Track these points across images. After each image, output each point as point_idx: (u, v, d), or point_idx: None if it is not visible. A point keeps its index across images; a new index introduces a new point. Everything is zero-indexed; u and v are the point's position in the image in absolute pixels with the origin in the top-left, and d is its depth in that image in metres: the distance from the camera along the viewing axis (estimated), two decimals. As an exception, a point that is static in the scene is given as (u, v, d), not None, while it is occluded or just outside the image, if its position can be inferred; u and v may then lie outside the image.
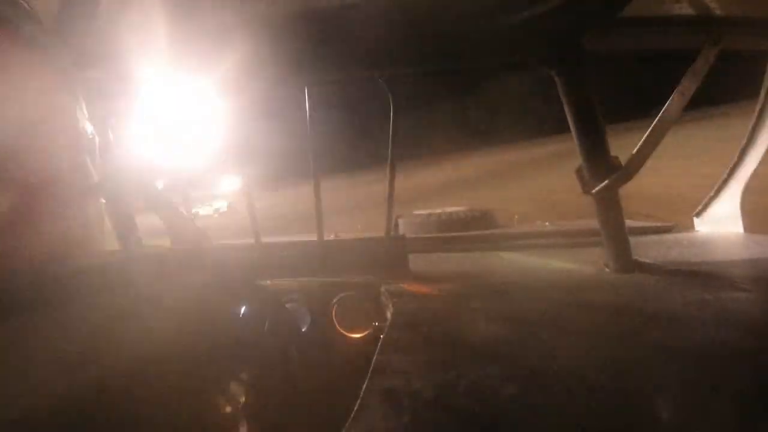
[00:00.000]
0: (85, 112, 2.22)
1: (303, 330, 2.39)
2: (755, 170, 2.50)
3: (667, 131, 2.12)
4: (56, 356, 1.49)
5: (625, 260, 2.08)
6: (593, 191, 2.08)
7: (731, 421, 0.94)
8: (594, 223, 2.21)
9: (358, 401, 1.09)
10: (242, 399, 1.96)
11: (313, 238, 2.62)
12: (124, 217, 2.54)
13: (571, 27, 2.00)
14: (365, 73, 2.34)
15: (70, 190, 2.11)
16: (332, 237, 2.77)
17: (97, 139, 2.22)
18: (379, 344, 1.45)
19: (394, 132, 2.38)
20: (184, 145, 2.65)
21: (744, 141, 2.49)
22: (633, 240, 2.14)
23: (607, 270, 2.11)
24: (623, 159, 2.08)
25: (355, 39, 2.11)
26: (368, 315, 2.28)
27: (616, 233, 2.10)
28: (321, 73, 2.29)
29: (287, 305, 2.36)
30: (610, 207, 2.09)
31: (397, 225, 3.40)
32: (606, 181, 2.03)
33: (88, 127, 2.19)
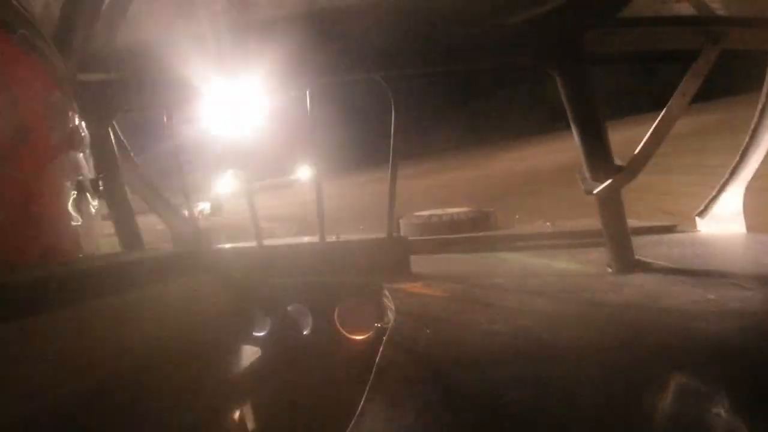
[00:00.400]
0: (78, 112, 2.21)
1: (305, 332, 2.38)
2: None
3: (670, 130, 2.11)
4: (58, 356, 1.49)
5: (627, 260, 2.07)
6: (595, 191, 2.08)
7: (735, 419, 0.93)
8: (596, 223, 2.20)
9: (362, 402, 1.09)
10: (245, 398, 1.96)
11: (316, 239, 2.62)
12: (126, 218, 2.54)
13: (571, 27, 2.01)
14: (367, 73, 2.34)
15: (62, 188, 2.10)
16: (334, 238, 2.77)
17: (88, 138, 2.22)
18: (382, 346, 1.45)
19: (396, 132, 2.38)
20: (189, 146, 2.66)
21: (746, 141, 2.49)
22: (635, 240, 2.13)
23: (609, 270, 2.10)
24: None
25: (357, 40, 2.11)
26: (371, 316, 2.28)
27: (618, 233, 2.10)
28: (322, 74, 2.29)
29: (290, 307, 2.35)
30: (612, 207, 2.09)
31: (398, 226, 3.40)
32: (608, 182, 2.03)
33: (82, 127, 2.18)
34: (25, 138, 1.80)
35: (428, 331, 1.54)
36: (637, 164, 2.07)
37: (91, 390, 1.47)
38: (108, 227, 2.55)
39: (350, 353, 2.25)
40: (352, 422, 1.01)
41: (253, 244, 2.70)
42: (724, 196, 2.65)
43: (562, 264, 2.40)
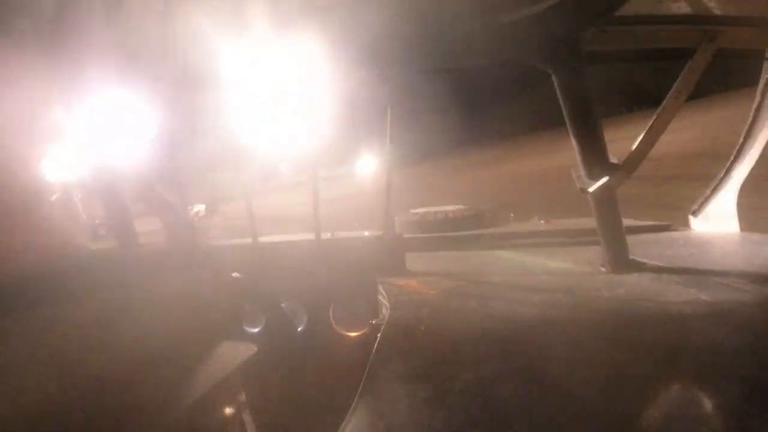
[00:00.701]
0: (74, 109, 2.19)
1: (300, 329, 2.38)
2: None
3: (665, 128, 2.12)
4: (52, 353, 1.48)
5: (621, 259, 2.08)
6: (590, 190, 2.08)
7: (727, 418, 0.94)
8: (591, 222, 2.21)
9: (356, 399, 1.09)
10: (240, 396, 1.96)
11: (311, 237, 2.62)
12: (122, 216, 2.52)
13: (568, 26, 2.01)
14: (365, 71, 2.33)
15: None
16: (329, 236, 2.76)
17: (77, 136, 2.19)
18: (376, 343, 1.45)
19: (391, 130, 2.38)
20: (182, 144, 2.64)
21: (740, 140, 2.50)
22: (629, 239, 2.14)
23: (603, 269, 2.11)
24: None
25: (355, 38, 2.10)
26: (365, 314, 2.28)
27: (613, 232, 2.10)
28: (318, 72, 2.28)
29: (283, 304, 2.35)
30: (607, 206, 2.09)
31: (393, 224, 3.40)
32: (603, 180, 2.04)
33: (70, 125, 2.15)
34: (16, 135, 1.80)
35: (422, 328, 1.54)
36: (632, 163, 2.07)
37: (88, 383, 1.47)
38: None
39: (345, 349, 2.25)
40: (347, 417, 1.01)
41: (249, 241, 2.69)
42: (719, 196, 2.67)
43: (556, 262, 2.40)
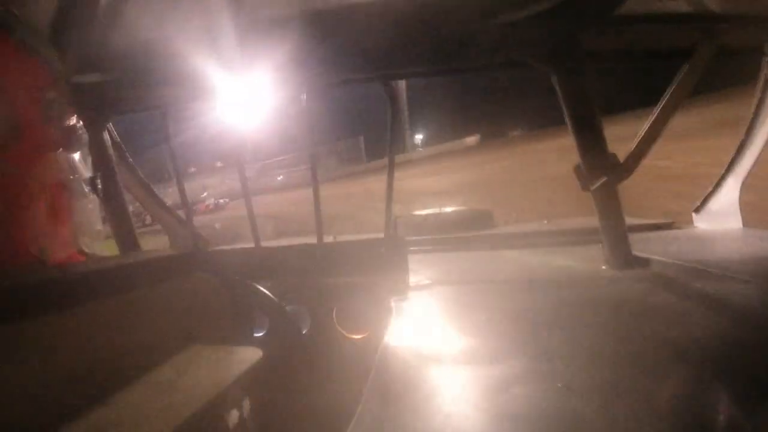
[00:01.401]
0: (75, 112, 2.20)
1: (304, 332, 2.38)
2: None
3: (665, 127, 2.12)
4: (59, 356, 1.48)
5: (624, 257, 2.08)
6: (592, 188, 2.08)
7: (733, 414, 0.93)
8: (593, 221, 2.21)
9: (361, 402, 1.09)
10: (245, 401, 1.95)
11: (313, 240, 2.62)
12: (122, 220, 2.53)
13: (567, 26, 2.01)
14: (365, 73, 2.34)
15: (58, 188, 2.09)
16: (331, 239, 2.77)
17: (85, 138, 2.21)
18: (380, 345, 1.45)
19: (393, 132, 2.38)
20: (182, 145, 2.65)
21: (742, 137, 2.50)
22: (632, 236, 2.14)
23: (606, 267, 2.11)
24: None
25: (355, 40, 2.11)
26: (368, 316, 2.27)
27: (615, 230, 2.10)
28: (318, 74, 2.29)
29: (288, 307, 2.35)
30: (609, 204, 2.09)
31: (395, 225, 3.40)
32: (604, 178, 2.04)
33: (79, 127, 2.17)
34: (20, 136, 1.80)
35: (426, 329, 1.54)
36: (633, 161, 2.08)
37: (90, 389, 1.47)
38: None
39: (349, 352, 2.25)
40: (352, 421, 1.01)
41: (251, 245, 2.70)
42: (721, 192, 2.66)
43: (559, 261, 2.40)
